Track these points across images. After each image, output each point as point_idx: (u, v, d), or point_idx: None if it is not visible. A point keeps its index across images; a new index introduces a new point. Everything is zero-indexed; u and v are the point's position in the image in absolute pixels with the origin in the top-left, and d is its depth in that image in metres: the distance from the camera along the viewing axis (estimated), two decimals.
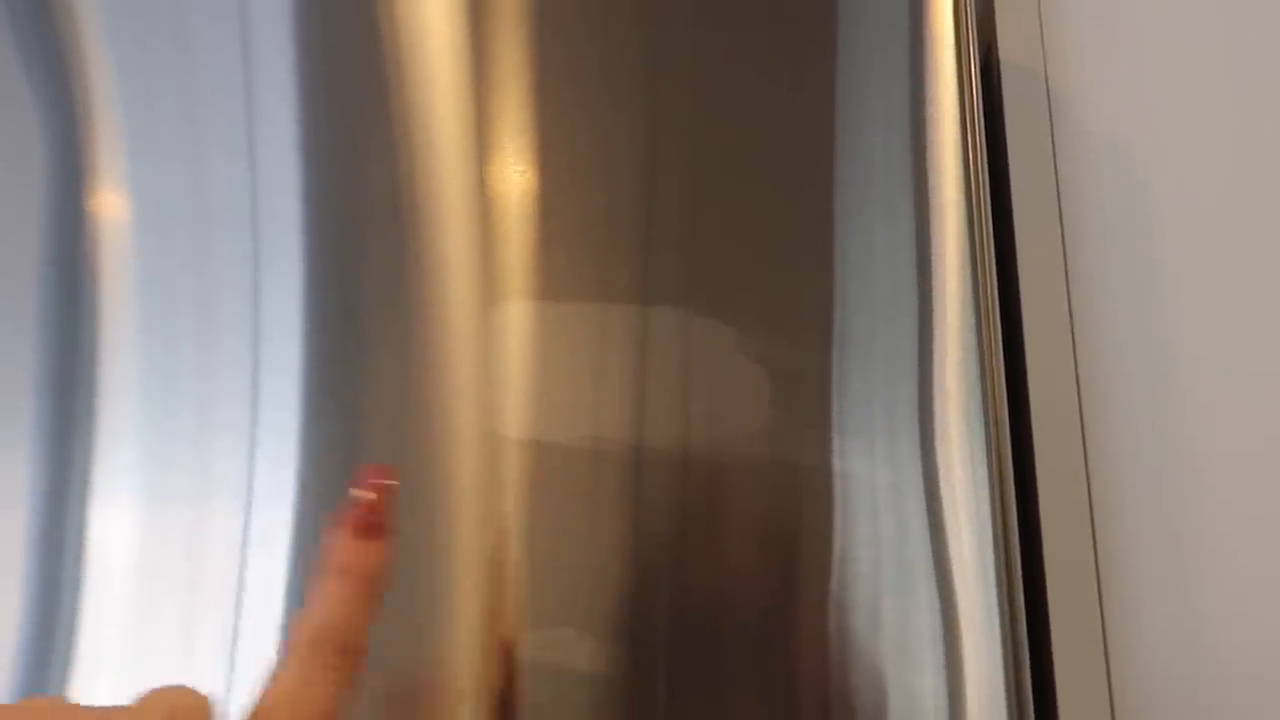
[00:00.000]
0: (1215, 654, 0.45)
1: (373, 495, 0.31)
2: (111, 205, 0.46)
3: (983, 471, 0.41)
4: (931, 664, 0.39)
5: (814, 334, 0.43)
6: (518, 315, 0.43)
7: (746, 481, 0.41)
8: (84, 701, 0.26)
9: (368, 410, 0.43)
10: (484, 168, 0.45)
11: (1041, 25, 0.54)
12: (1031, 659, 0.45)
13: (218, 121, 0.47)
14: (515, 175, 0.46)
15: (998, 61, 0.54)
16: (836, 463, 0.41)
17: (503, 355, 0.43)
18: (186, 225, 0.46)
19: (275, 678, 0.29)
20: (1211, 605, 0.45)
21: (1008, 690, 0.39)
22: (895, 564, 0.40)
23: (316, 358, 0.44)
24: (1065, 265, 0.51)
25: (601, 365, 0.43)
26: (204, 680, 0.41)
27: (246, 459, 0.43)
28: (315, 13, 0.48)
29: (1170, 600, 0.46)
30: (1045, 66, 0.53)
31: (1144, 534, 0.47)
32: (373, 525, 0.31)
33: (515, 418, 0.42)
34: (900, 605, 0.40)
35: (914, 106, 0.46)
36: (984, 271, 0.43)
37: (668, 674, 0.40)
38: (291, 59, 0.47)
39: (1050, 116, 0.53)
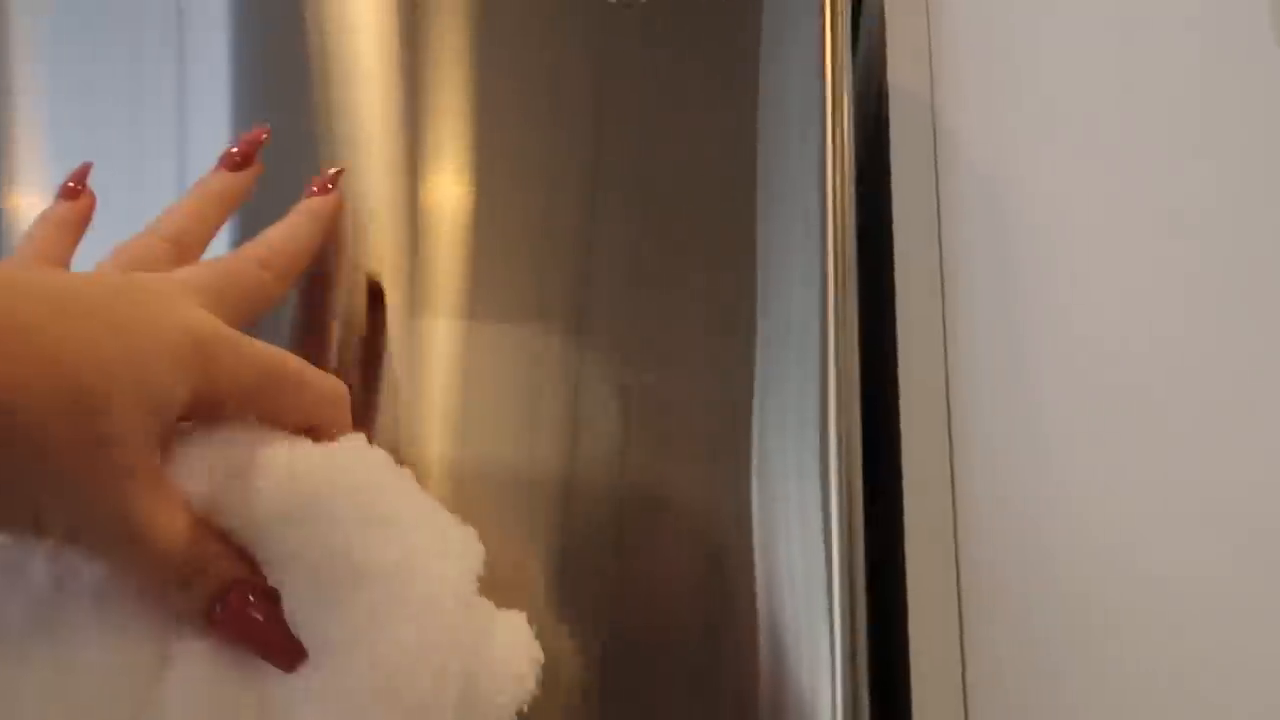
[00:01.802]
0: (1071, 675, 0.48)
1: (247, 141, 0.42)
2: (34, 207, 0.49)
3: (859, 484, 0.43)
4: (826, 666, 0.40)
5: (740, 356, 0.44)
6: (445, 331, 0.44)
7: (676, 507, 0.42)
8: None
9: None
10: (417, 178, 0.47)
11: (930, 54, 0.57)
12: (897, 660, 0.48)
13: (150, 123, 0.49)
14: (449, 186, 0.47)
15: (886, 86, 0.57)
16: (755, 482, 0.42)
17: (427, 371, 0.44)
18: (117, 225, 0.48)
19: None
20: (1068, 618, 0.49)
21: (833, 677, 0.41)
22: (803, 574, 0.41)
23: None
24: (942, 279, 0.54)
25: (532, 385, 0.44)
26: None
27: None
28: (250, 15, 0.50)
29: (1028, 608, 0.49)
30: (932, 94, 0.56)
31: (1005, 538, 0.50)
32: (242, 159, 0.42)
33: (440, 437, 0.43)
34: (806, 611, 0.41)
35: (820, 125, 0.48)
36: (841, 286, 0.45)
37: (600, 699, 0.41)
38: (225, 60, 0.49)
39: (934, 142, 0.56)
